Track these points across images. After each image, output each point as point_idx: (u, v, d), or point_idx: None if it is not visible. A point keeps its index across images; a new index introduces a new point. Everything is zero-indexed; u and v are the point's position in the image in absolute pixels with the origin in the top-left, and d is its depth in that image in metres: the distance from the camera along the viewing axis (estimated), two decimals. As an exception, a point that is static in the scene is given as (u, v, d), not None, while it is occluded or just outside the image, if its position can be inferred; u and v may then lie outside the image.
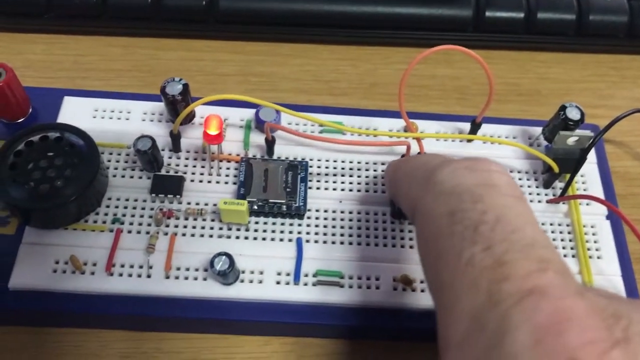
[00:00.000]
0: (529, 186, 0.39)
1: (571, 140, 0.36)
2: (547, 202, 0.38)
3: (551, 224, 0.37)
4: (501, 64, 0.48)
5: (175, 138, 0.36)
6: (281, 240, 0.35)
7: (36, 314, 0.34)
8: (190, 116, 0.38)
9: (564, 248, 0.37)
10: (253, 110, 0.39)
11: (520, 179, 0.39)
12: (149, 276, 0.33)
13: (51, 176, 0.33)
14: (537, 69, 0.48)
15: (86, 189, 0.33)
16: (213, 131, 0.34)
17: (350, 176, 0.38)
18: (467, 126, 0.40)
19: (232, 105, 0.39)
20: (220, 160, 0.37)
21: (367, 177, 0.38)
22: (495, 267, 0.21)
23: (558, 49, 0.49)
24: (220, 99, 0.34)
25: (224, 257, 0.32)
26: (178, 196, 0.36)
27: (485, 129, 0.40)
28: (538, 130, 0.40)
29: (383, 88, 0.46)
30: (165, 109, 0.36)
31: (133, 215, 0.35)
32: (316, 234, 0.36)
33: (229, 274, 0.32)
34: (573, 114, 0.37)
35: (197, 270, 0.34)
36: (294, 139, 0.39)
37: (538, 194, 0.38)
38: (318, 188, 0.37)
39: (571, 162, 0.37)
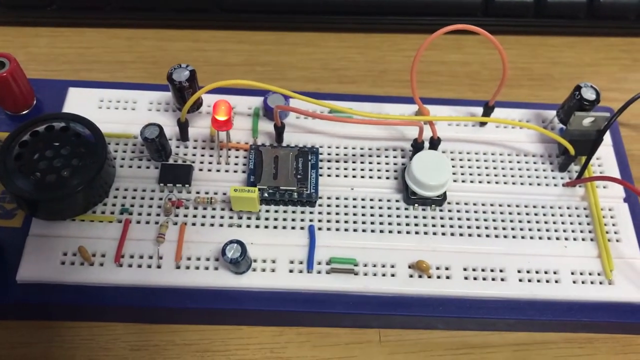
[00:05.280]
0: (544, 170, 0.38)
1: (587, 121, 0.35)
2: (564, 185, 0.37)
3: (568, 208, 0.37)
4: (511, 49, 0.47)
5: (183, 126, 0.36)
6: (293, 228, 0.35)
7: (45, 307, 0.33)
8: (198, 104, 0.37)
9: (582, 232, 0.36)
10: (261, 98, 0.39)
11: (535, 163, 0.38)
12: (159, 267, 0.33)
13: (57, 166, 0.33)
14: (548, 53, 0.48)
15: (93, 179, 0.33)
16: (222, 116, 0.33)
17: (362, 162, 0.37)
18: (478, 111, 0.39)
19: (239, 94, 0.39)
20: (229, 149, 0.37)
21: (378, 163, 0.37)
22: None
23: (569, 32, 0.48)
24: (229, 84, 0.33)
25: (235, 244, 0.31)
26: (187, 185, 0.35)
27: (497, 113, 0.39)
28: (551, 113, 0.40)
29: (392, 75, 0.45)
30: (173, 97, 0.36)
31: (142, 206, 0.35)
32: (328, 221, 0.35)
33: (241, 262, 0.31)
34: (588, 94, 0.36)
35: (208, 259, 0.33)
36: (304, 126, 0.38)
37: (554, 178, 0.38)
38: (329, 175, 0.37)
39: (587, 144, 0.36)
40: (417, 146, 0.36)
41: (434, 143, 0.36)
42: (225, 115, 0.33)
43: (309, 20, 0.47)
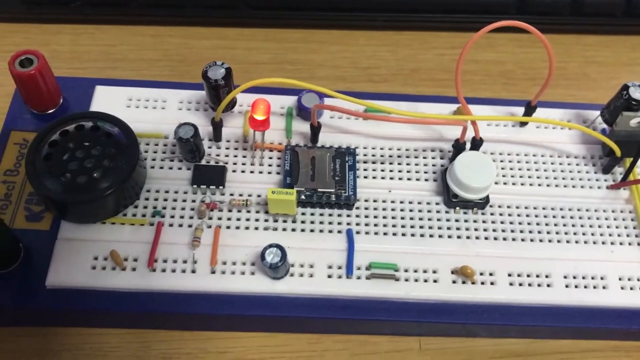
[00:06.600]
0: (587, 172, 0.37)
1: (634, 122, 0.34)
2: (608, 187, 0.36)
3: (613, 211, 0.35)
4: (546, 47, 0.46)
5: (217, 126, 0.34)
6: (330, 231, 0.33)
7: (75, 313, 0.32)
8: (232, 103, 0.36)
9: (628, 236, 0.34)
10: (294, 98, 0.37)
11: (577, 165, 0.37)
12: (193, 271, 0.32)
13: (88, 167, 0.31)
14: (584, 52, 0.46)
15: (125, 181, 0.32)
16: (260, 116, 0.32)
17: (399, 164, 0.36)
18: (516, 110, 0.38)
19: (271, 93, 0.37)
20: (263, 149, 0.35)
21: (416, 164, 0.36)
22: None
23: (605, 31, 0.47)
24: (267, 82, 0.32)
25: (275, 248, 0.30)
26: (220, 187, 0.34)
27: (538, 113, 0.38)
28: (593, 113, 0.38)
29: (425, 74, 0.44)
30: (206, 95, 0.34)
31: (174, 208, 0.33)
32: (367, 224, 0.34)
33: (280, 267, 0.30)
34: (637, 94, 0.35)
35: (244, 264, 0.32)
36: (338, 126, 0.37)
37: (597, 180, 0.36)
38: (366, 177, 0.35)
39: (634, 145, 0.35)
40: (458, 147, 0.35)
41: (477, 143, 0.35)
42: (264, 115, 0.32)
43: (337, 18, 0.46)
